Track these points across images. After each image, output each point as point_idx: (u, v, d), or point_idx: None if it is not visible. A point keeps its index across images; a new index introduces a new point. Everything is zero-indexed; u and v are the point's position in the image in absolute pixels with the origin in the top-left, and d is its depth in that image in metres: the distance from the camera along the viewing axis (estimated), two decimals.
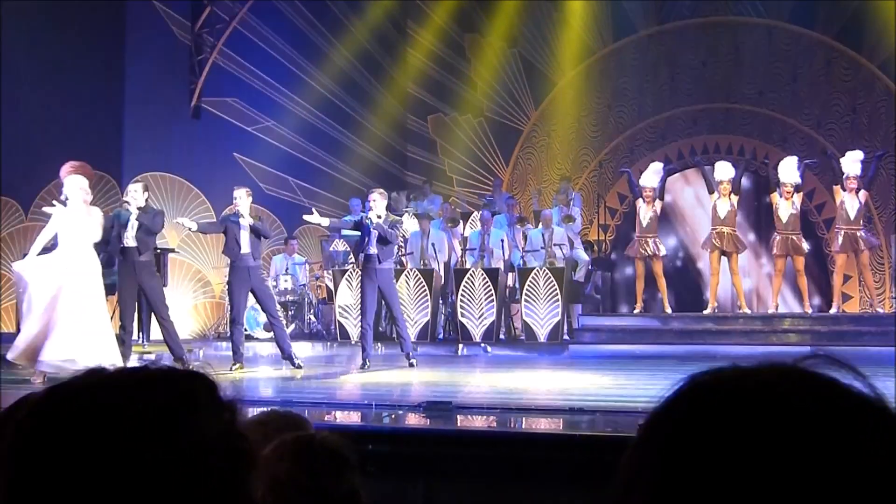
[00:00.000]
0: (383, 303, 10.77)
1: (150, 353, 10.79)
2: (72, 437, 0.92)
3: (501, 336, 13.14)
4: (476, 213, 14.96)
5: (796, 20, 16.02)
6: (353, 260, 13.07)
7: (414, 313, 12.79)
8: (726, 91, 16.47)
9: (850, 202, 12.23)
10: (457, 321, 12.89)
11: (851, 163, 12.34)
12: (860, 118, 15.66)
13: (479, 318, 12.73)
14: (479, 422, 6.28)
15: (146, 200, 9.54)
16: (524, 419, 6.29)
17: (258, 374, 9.84)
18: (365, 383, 8.84)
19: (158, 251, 11.83)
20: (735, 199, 12.71)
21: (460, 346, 12.54)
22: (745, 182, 13.98)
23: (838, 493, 0.72)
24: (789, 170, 12.41)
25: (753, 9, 16.33)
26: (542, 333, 12.49)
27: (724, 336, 12.14)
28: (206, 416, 0.97)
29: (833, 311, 12.75)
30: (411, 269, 13.01)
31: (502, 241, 13.21)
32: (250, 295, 10.07)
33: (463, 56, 17.88)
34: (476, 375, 9.91)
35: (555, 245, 12.99)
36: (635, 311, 13.50)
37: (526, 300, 12.59)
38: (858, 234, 12.24)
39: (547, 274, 12.51)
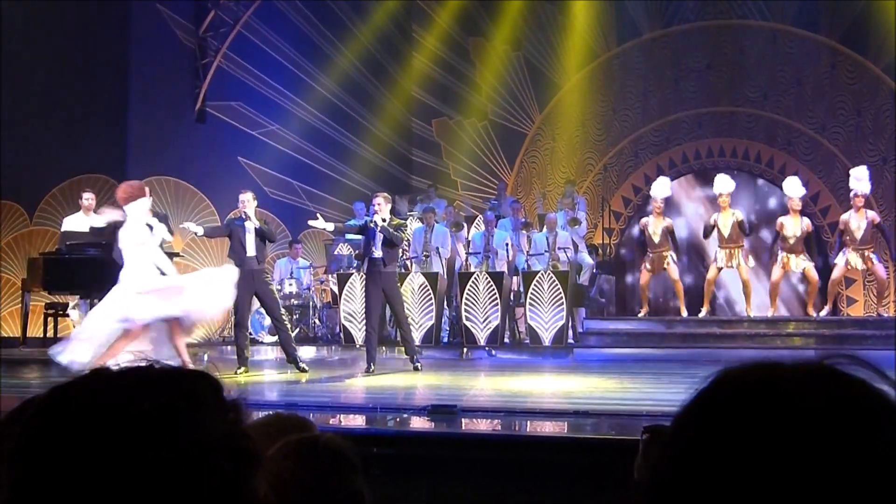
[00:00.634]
0: (388, 306, 10.79)
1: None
2: (77, 436, 0.93)
3: (506, 340, 13.13)
4: (480, 216, 14.98)
5: (800, 23, 16.02)
6: (357, 263, 13.08)
7: (418, 317, 12.79)
8: (730, 94, 16.46)
9: (856, 221, 12.19)
10: (461, 325, 12.89)
11: (856, 180, 12.31)
12: (865, 121, 15.64)
13: (484, 321, 12.73)
14: (483, 425, 6.27)
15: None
16: (528, 422, 6.28)
17: (263, 378, 9.84)
18: (369, 387, 8.84)
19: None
20: (738, 211, 12.77)
21: (465, 349, 12.53)
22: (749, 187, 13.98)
23: (865, 491, 0.73)
24: (794, 186, 12.45)
25: (758, 12, 16.32)
26: (546, 337, 12.49)
27: (729, 340, 12.14)
28: (210, 416, 0.97)
29: (824, 313, 12.78)
30: (416, 273, 13.01)
31: (507, 243, 13.21)
32: (255, 299, 10.08)
33: (467, 59, 17.89)
34: (480, 379, 9.90)
35: (559, 249, 12.99)
36: (640, 315, 13.51)
37: (530, 304, 12.59)
38: (867, 253, 12.23)
39: (551, 277, 12.51)
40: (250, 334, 11.17)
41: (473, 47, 17.88)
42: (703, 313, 13.04)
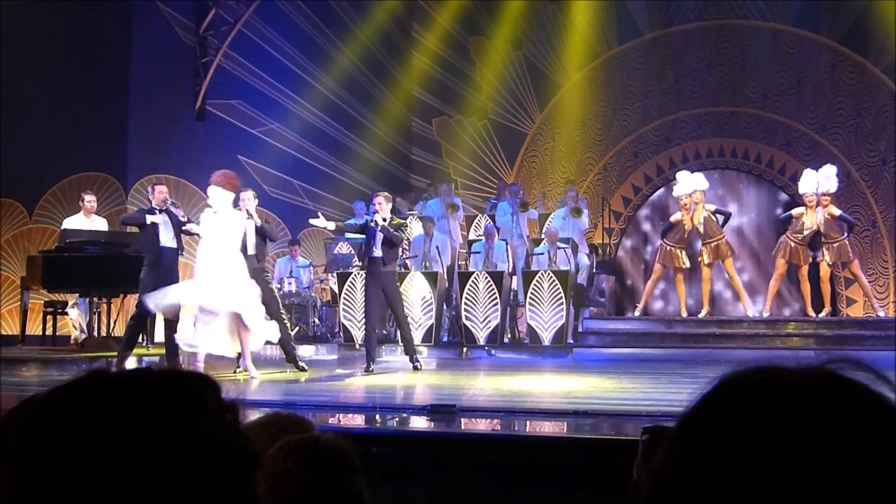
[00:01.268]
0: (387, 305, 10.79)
1: (153, 355, 10.78)
2: (76, 437, 0.92)
3: (506, 339, 13.13)
4: (480, 216, 14.97)
5: (801, 24, 16.01)
6: (357, 263, 13.08)
7: (418, 316, 12.79)
8: (731, 94, 16.45)
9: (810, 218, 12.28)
10: (461, 324, 12.88)
11: (825, 180, 12.37)
12: (865, 121, 15.64)
13: (484, 321, 12.73)
14: (483, 425, 6.27)
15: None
16: (528, 422, 6.28)
17: (262, 377, 9.83)
18: (369, 386, 8.84)
19: None
20: (710, 207, 12.80)
21: (464, 349, 12.53)
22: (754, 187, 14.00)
23: (868, 495, 0.73)
24: (808, 181, 12.47)
25: (758, 12, 16.30)
26: (546, 337, 12.49)
27: (728, 340, 12.14)
28: (210, 417, 0.97)
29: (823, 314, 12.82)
30: (415, 272, 13.01)
31: (506, 251, 13.24)
32: None
33: (468, 59, 17.88)
34: (480, 378, 9.91)
35: (559, 248, 13.01)
36: (636, 314, 13.55)
37: (530, 303, 12.59)
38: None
39: (551, 277, 12.51)
40: None
41: (474, 46, 17.87)
42: (703, 313, 13.04)
